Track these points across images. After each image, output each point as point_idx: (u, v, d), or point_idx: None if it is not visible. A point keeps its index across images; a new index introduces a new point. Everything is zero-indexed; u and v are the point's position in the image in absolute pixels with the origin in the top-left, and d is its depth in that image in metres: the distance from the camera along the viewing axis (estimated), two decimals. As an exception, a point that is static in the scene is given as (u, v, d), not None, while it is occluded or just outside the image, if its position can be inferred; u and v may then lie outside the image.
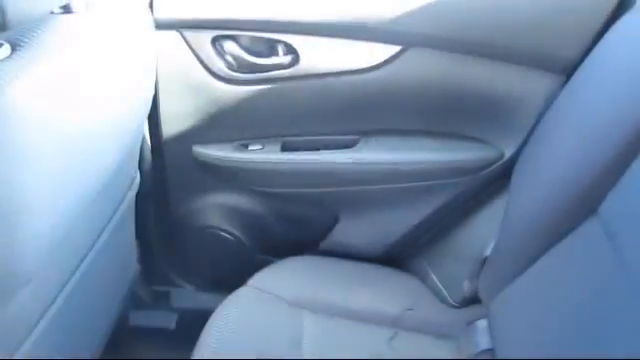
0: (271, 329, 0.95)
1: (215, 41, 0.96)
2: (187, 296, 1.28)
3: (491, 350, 0.92)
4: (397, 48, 0.93)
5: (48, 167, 0.58)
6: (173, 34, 0.94)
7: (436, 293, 1.06)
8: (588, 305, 0.69)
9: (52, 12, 0.63)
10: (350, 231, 1.12)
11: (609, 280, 0.66)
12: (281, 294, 0.99)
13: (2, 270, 0.56)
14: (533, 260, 0.82)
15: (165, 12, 0.93)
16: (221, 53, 0.97)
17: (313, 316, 0.96)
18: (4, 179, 0.52)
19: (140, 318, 1.27)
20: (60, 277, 0.76)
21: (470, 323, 0.99)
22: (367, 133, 1.03)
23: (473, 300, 1.02)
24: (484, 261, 0.97)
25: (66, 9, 0.65)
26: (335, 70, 0.97)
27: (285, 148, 1.04)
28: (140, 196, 1.04)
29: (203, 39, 0.95)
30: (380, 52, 0.94)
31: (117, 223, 0.93)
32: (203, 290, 1.27)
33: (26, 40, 0.57)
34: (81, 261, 0.80)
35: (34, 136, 0.55)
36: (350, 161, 1.02)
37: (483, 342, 0.94)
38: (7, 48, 0.56)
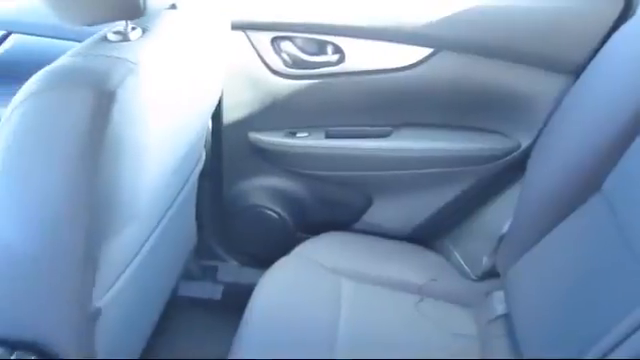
0: (313, 292, 1.08)
1: (274, 41, 1.13)
2: (232, 271, 1.43)
3: (506, 315, 1.04)
4: (429, 50, 1.09)
5: (155, 126, 0.73)
6: (240, 34, 1.11)
7: (458, 268, 1.19)
8: (593, 273, 0.80)
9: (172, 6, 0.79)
10: (381, 212, 1.27)
11: (612, 249, 0.78)
12: (321, 262, 1.13)
13: (113, 211, 0.71)
14: (544, 234, 0.95)
15: (234, 15, 1.09)
16: (278, 51, 1.13)
17: (349, 282, 1.10)
18: (131, 135, 0.67)
19: (189, 289, 1.42)
20: (144, 231, 0.90)
21: (488, 294, 1.12)
22: (399, 125, 1.19)
23: (491, 274, 1.15)
24: (501, 238, 1.11)
25: (172, 6, 0.81)
26: (374, 69, 1.12)
27: (328, 136, 1.20)
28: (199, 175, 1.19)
29: (264, 39, 1.12)
30: (414, 54, 1.10)
31: (185, 195, 1.07)
32: (246, 266, 1.42)
33: (150, 27, 0.74)
34: (159, 222, 0.95)
35: (150, 105, 0.70)
36: (384, 149, 1.17)
37: (499, 309, 1.07)
38: (139, 31, 0.72)
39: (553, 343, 0.83)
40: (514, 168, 1.13)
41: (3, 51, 1.24)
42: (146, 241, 0.89)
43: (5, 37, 1.23)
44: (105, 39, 0.71)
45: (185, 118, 0.87)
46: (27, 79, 1.16)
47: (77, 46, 0.71)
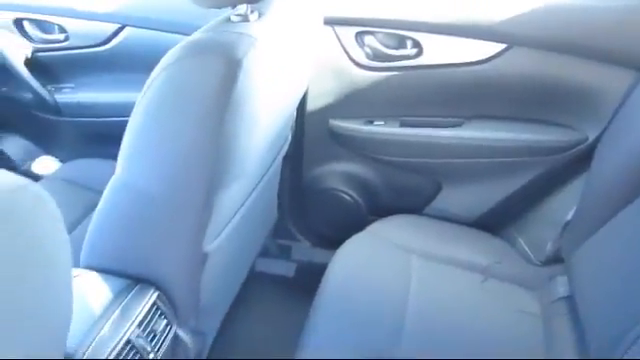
0: (385, 266, 1.17)
1: (358, 35, 1.24)
2: (305, 250, 1.54)
3: (569, 297, 1.10)
4: (502, 46, 1.17)
5: (264, 97, 0.84)
6: (328, 28, 1.23)
7: (522, 254, 1.25)
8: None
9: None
10: (450, 199, 1.35)
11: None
12: (392, 240, 1.22)
13: (228, 165, 0.83)
14: (607, 221, 1.00)
15: (324, 11, 1.22)
16: (362, 45, 1.25)
17: (419, 259, 1.18)
18: (249, 100, 0.78)
19: (265, 265, 1.54)
20: (247, 189, 1.01)
21: (551, 278, 1.17)
22: (471, 117, 1.27)
23: (554, 260, 1.21)
24: (566, 225, 1.17)
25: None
26: (450, 62, 1.21)
27: (402, 125, 1.29)
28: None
29: (349, 33, 1.24)
30: (488, 49, 1.18)
31: (273, 171, 1.19)
32: (318, 246, 1.53)
33: (265, 12, 0.86)
34: (257, 185, 1.07)
35: (263, 76, 0.82)
36: (455, 138, 1.26)
37: (562, 291, 1.13)
38: (256, 14, 0.85)
39: (614, 323, 0.88)
40: (581, 160, 1.18)
41: (117, 42, 1.41)
42: (247, 199, 1.01)
43: (120, 30, 1.40)
44: (229, 20, 0.84)
45: (281, 98, 0.99)
46: (138, 67, 1.33)
47: (204, 26, 0.84)
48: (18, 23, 1.45)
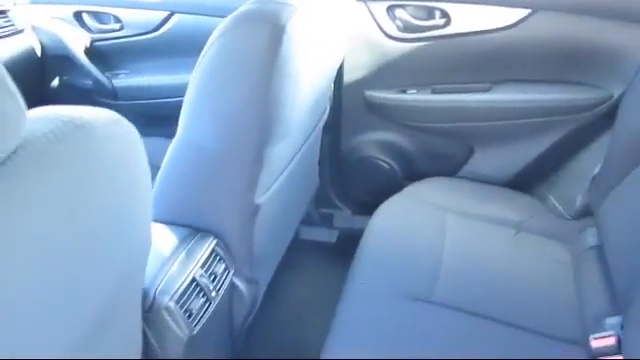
0: (420, 223, 1.25)
1: (389, 9, 1.33)
2: (346, 218, 1.64)
3: (598, 246, 1.16)
4: (527, 11, 1.24)
5: (304, 62, 0.94)
6: (360, 4, 1.32)
7: (553, 210, 1.32)
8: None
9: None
10: (482, 161, 1.42)
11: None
12: (428, 200, 1.30)
13: (276, 124, 0.93)
14: (631, 172, 1.06)
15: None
16: (393, 18, 1.33)
17: (453, 216, 1.25)
18: (293, 63, 0.87)
19: (308, 233, 1.64)
20: (293, 148, 1.10)
21: (581, 230, 1.23)
22: (499, 81, 1.34)
23: (584, 213, 1.26)
24: (594, 179, 1.22)
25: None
26: (477, 30, 1.29)
27: (434, 92, 1.37)
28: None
29: (381, 7, 1.32)
30: (513, 15, 1.25)
31: (313, 139, 1.29)
32: (358, 214, 1.62)
33: None
34: (301, 146, 1.17)
35: (304, 42, 0.91)
36: (485, 101, 1.33)
37: (591, 241, 1.18)
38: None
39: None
40: (607, 116, 1.24)
41: (167, 29, 1.54)
42: (292, 159, 1.11)
43: (169, 17, 1.53)
44: None
45: (319, 67, 1.08)
46: (187, 51, 1.45)
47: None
48: (77, 15, 1.60)
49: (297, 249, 1.59)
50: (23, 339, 0.48)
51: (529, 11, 1.23)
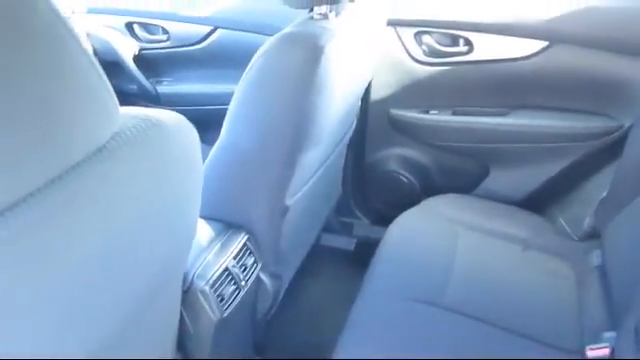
0: (434, 234, 1.33)
1: (417, 35, 1.43)
2: (364, 227, 1.73)
3: (602, 266, 1.23)
4: (544, 43, 1.33)
5: (338, 80, 1.04)
6: (390, 29, 1.43)
7: (561, 231, 1.39)
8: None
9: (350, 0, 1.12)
10: (496, 181, 1.51)
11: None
12: (443, 214, 1.39)
13: (308, 133, 1.03)
14: (636, 197, 1.14)
15: (388, 14, 1.42)
16: (420, 43, 1.44)
17: (465, 230, 1.34)
18: (328, 81, 0.98)
19: (328, 239, 1.74)
20: (321, 156, 1.20)
21: (587, 251, 1.30)
22: (516, 106, 1.43)
23: (591, 235, 1.33)
24: (601, 202, 1.30)
25: (351, 0, 1.14)
26: (498, 58, 1.38)
27: (455, 114, 1.47)
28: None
29: (409, 33, 1.43)
30: (532, 46, 1.34)
31: (339, 150, 1.39)
32: (376, 224, 1.71)
33: (341, 12, 1.07)
34: (328, 156, 1.27)
35: (339, 62, 1.02)
36: (502, 124, 1.42)
37: (596, 261, 1.25)
38: (334, 14, 1.05)
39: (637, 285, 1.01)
40: (616, 145, 1.31)
41: (210, 42, 1.67)
42: (321, 165, 1.22)
43: (212, 31, 1.65)
44: (312, 18, 1.05)
45: (350, 84, 1.19)
46: (227, 64, 1.57)
47: (294, 22, 1.05)
48: (129, 26, 1.74)
49: (318, 254, 1.69)
50: (83, 308, 0.55)
51: (547, 43, 1.33)
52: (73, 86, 0.48)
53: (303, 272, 1.48)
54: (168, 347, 0.89)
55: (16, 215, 0.44)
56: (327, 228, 1.72)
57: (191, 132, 0.68)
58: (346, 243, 1.73)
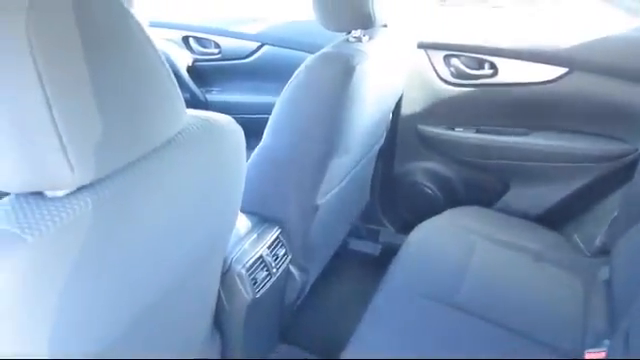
0: (452, 242, 1.43)
1: (446, 57, 1.55)
2: (389, 234, 1.84)
3: (607, 281, 1.30)
4: (565, 70, 1.43)
5: (370, 97, 1.17)
6: (421, 51, 1.56)
7: (575, 247, 1.47)
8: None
9: (384, 25, 1.26)
10: (515, 197, 1.60)
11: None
12: (462, 224, 1.49)
13: (340, 139, 1.15)
14: None
15: (419, 37, 1.54)
16: (448, 65, 1.56)
17: (482, 240, 1.44)
18: (359, 97, 1.11)
19: (356, 244, 1.86)
20: (351, 163, 1.32)
21: (597, 267, 1.38)
22: (536, 127, 1.53)
23: (602, 252, 1.41)
24: (613, 220, 1.38)
25: (384, 25, 1.27)
26: (521, 82, 1.49)
27: (478, 132, 1.58)
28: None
29: (439, 55, 1.55)
30: (553, 72, 1.45)
31: (368, 159, 1.52)
32: (401, 232, 1.82)
33: (374, 36, 1.20)
34: (357, 163, 1.39)
35: (370, 82, 1.15)
36: (522, 143, 1.52)
37: (603, 276, 1.33)
38: (367, 37, 1.19)
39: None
40: (630, 167, 1.39)
41: (257, 57, 1.83)
42: (350, 171, 1.35)
43: (259, 47, 1.81)
44: (347, 41, 1.19)
45: (381, 100, 1.32)
46: (272, 77, 1.72)
47: (328, 44, 1.19)
48: (185, 39, 1.92)
49: (345, 256, 1.81)
50: (142, 270, 0.66)
51: (567, 70, 1.43)
52: (153, 86, 0.62)
53: (330, 271, 1.60)
54: (206, 321, 1.02)
55: (103, 187, 0.59)
56: (355, 234, 1.85)
57: (240, 134, 0.82)
58: (372, 248, 1.85)
